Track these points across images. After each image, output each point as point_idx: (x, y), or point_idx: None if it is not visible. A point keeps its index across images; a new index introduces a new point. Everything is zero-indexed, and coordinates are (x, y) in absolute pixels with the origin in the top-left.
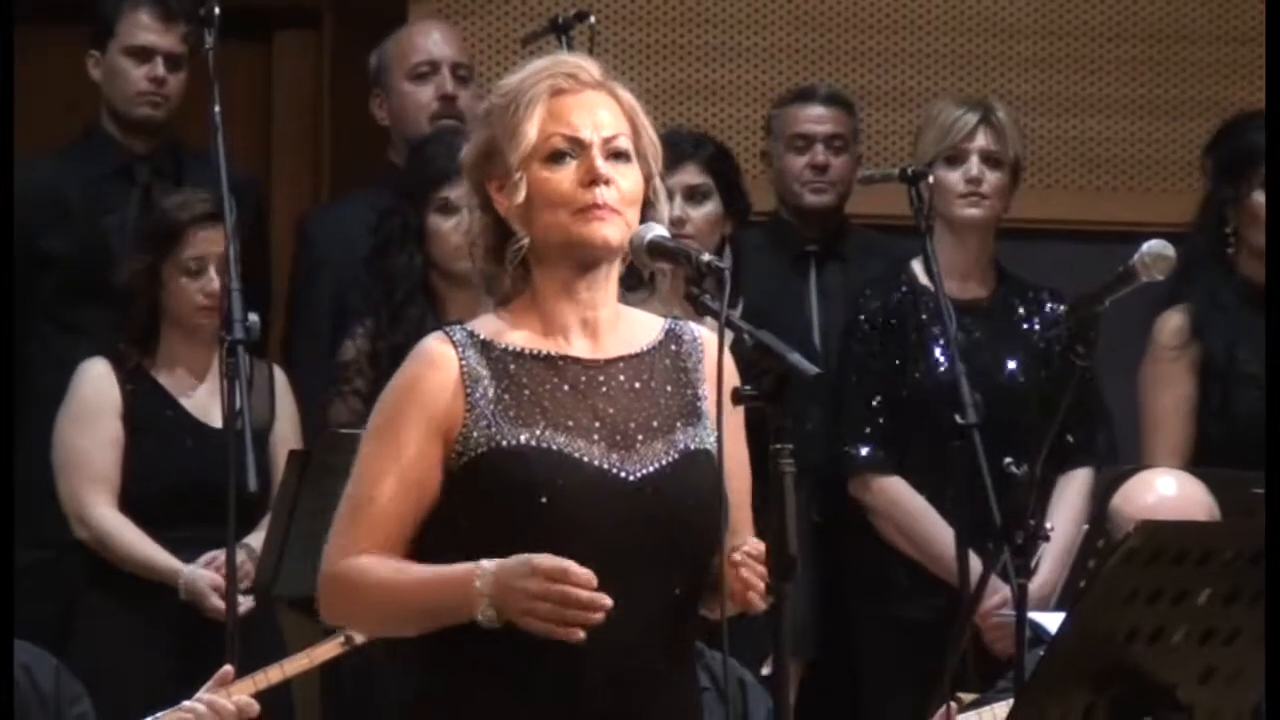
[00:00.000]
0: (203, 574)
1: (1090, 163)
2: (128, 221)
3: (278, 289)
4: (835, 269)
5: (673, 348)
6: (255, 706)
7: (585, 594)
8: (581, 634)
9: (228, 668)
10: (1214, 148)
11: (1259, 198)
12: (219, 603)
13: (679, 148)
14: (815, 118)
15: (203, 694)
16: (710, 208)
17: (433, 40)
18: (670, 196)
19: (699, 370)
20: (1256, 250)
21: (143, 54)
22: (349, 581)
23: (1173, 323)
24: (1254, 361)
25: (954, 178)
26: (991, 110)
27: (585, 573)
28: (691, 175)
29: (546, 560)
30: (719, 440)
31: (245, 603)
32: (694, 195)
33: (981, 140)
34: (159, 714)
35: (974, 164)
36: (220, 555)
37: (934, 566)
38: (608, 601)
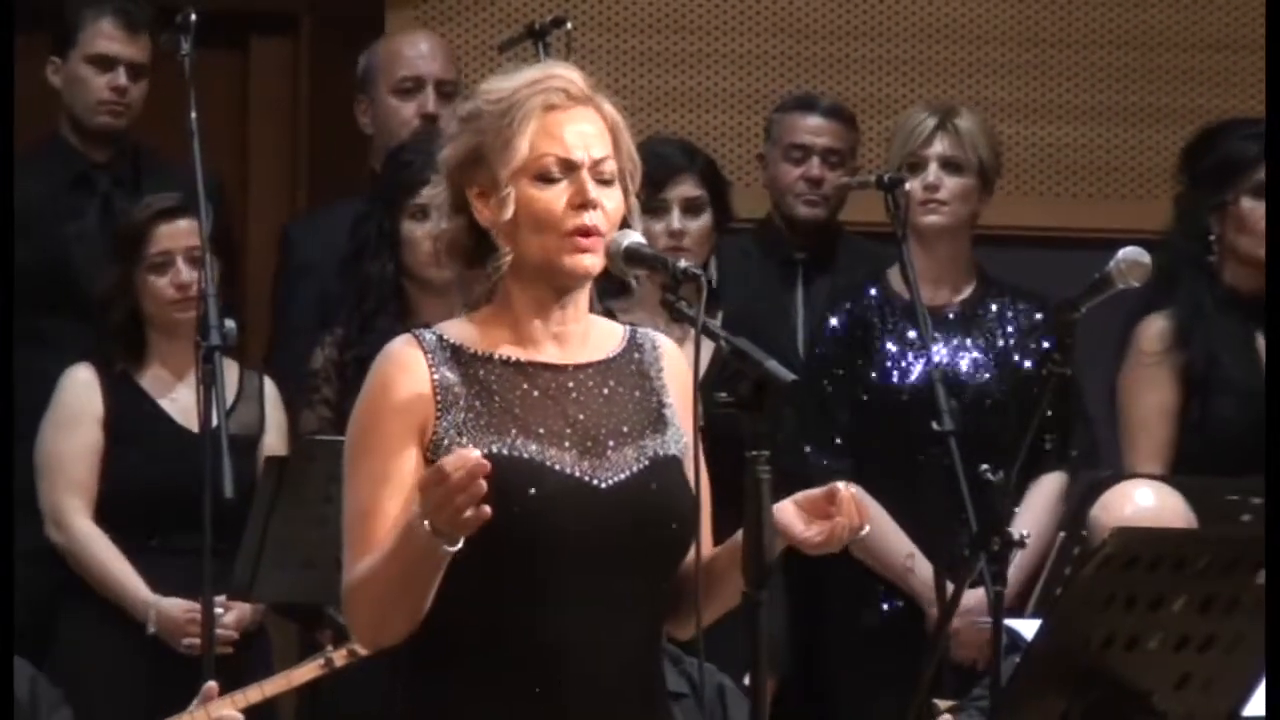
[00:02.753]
0: (177, 603)
1: (1065, 170)
2: (87, 231)
3: (253, 295)
4: (823, 279)
5: (635, 355)
6: None
7: (457, 477)
8: (487, 510)
9: (212, 684)
10: (1194, 154)
11: (1248, 204)
12: (194, 639)
13: (672, 160)
14: (814, 129)
15: (194, 710)
16: (704, 220)
17: (419, 53)
18: (668, 208)
19: (661, 378)
20: (1244, 257)
21: (105, 63)
22: (351, 593)
23: (1155, 328)
24: (1236, 368)
25: (914, 185)
26: (951, 115)
27: (451, 460)
28: (690, 188)
29: (423, 479)
30: (695, 446)
31: (226, 633)
32: (691, 208)
33: (939, 146)
34: None
35: (932, 170)
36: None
37: (886, 574)
38: (485, 466)
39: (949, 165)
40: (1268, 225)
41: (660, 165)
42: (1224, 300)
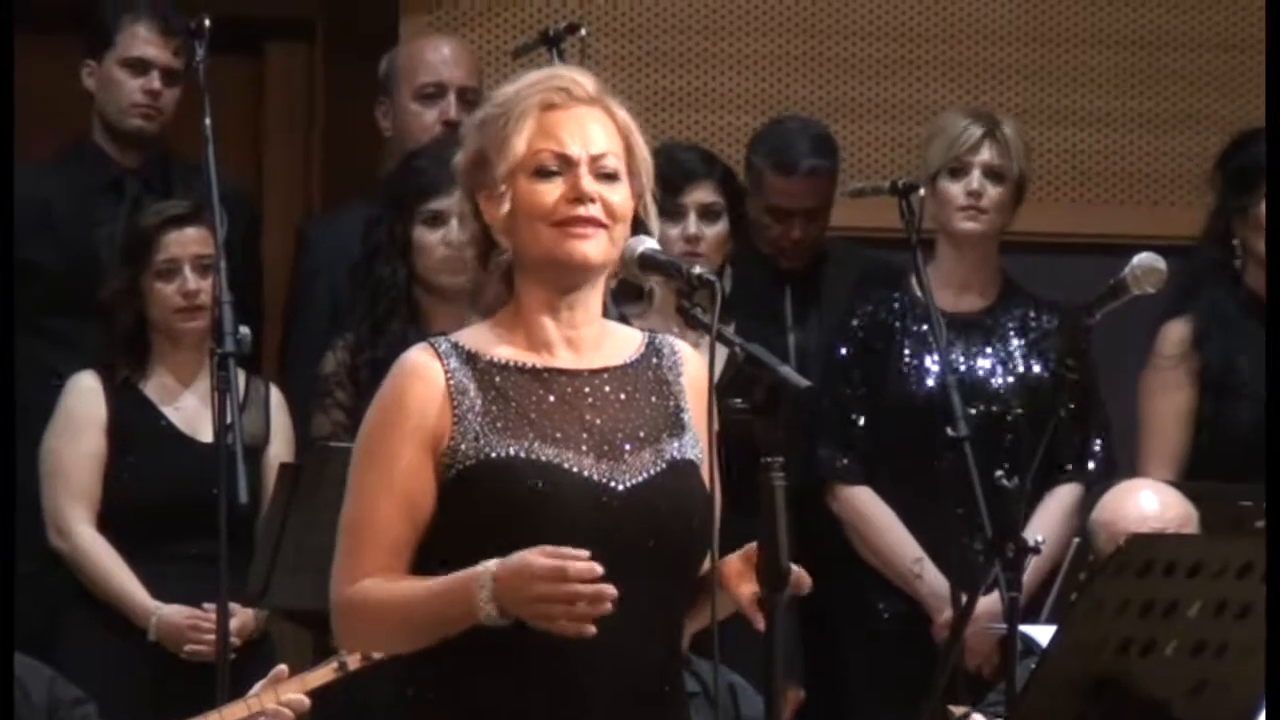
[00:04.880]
0: (179, 609)
1: (1083, 175)
2: (116, 235)
3: (270, 303)
4: (811, 289)
5: (654, 360)
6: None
7: (589, 589)
8: (593, 628)
9: (282, 667)
10: (1224, 160)
11: (1263, 209)
12: (196, 645)
13: (690, 166)
14: (797, 193)
15: (259, 692)
16: (721, 226)
17: (442, 59)
18: (685, 213)
19: (680, 384)
20: (1260, 260)
21: (140, 66)
22: (359, 606)
23: (1175, 333)
24: (1252, 373)
25: (955, 190)
26: (998, 125)
27: (584, 567)
28: (707, 194)
29: (543, 564)
30: (710, 451)
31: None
32: (708, 214)
33: (985, 154)
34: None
35: (975, 177)
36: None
37: (894, 579)
38: (612, 591)
39: (993, 174)
40: (1268, 225)
41: (678, 170)
42: (1246, 305)
